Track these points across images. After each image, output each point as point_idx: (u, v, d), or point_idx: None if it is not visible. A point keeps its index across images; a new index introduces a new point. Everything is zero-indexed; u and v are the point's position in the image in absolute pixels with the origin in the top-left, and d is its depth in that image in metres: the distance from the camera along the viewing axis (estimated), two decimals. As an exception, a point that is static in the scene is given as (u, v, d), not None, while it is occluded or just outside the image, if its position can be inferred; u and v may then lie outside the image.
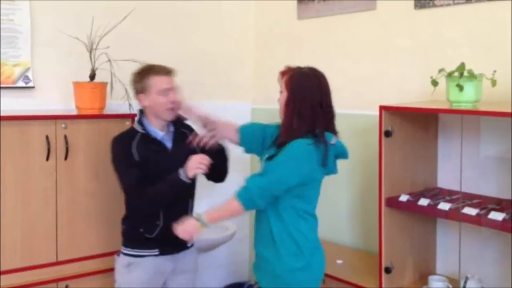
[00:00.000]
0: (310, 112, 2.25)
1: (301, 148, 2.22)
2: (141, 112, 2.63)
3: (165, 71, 2.60)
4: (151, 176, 2.49)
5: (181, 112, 2.66)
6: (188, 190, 2.62)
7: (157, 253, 2.59)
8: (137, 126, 2.60)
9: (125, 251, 2.62)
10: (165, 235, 2.54)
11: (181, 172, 2.45)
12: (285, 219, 2.28)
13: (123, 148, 2.55)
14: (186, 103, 2.66)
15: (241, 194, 2.24)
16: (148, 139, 2.57)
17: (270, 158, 2.30)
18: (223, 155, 2.73)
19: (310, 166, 2.25)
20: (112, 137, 2.62)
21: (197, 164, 2.45)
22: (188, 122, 2.75)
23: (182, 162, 2.49)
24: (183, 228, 2.29)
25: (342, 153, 2.36)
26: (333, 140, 2.28)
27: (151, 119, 2.60)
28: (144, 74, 2.59)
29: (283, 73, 2.37)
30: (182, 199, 2.62)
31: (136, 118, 2.64)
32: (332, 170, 2.34)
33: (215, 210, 2.35)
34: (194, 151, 2.59)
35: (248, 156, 4.05)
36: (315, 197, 2.37)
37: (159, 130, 2.61)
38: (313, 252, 2.33)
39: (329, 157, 2.26)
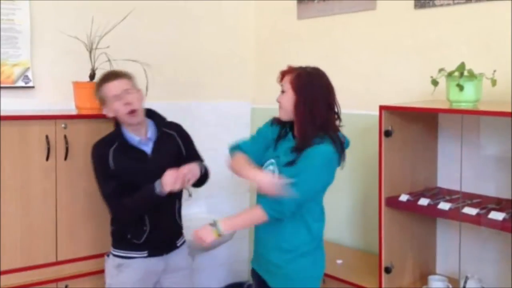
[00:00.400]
0: (321, 113, 2.22)
1: (329, 157, 2.20)
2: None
3: (114, 76, 2.54)
4: (129, 184, 2.46)
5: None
6: (172, 193, 2.54)
7: (146, 255, 2.58)
8: (115, 132, 2.58)
9: (114, 252, 2.62)
10: (153, 239, 2.54)
11: (156, 185, 2.40)
12: (308, 222, 2.29)
13: (100, 157, 2.52)
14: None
15: (269, 205, 2.18)
16: (125, 146, 2.53)
17: (289, 163, 2.23)
18: (204, 172, 2.66)
19: (334, 172, 2.26)
20: (94, 143, 2.60)
21: (173, 180, 2.39)
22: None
23: (162, 166, 2.45)
24: (197, 235, 2.22)
25: (346, 146, 2.35)
26: (344, 139, 2.30)
27: (125, 125, 2.56)
28: (98, 86, 2.57)
29: (285, 73, 2.32)
30: (168, 201, 2.57)
31: (114, 125, 2.61)
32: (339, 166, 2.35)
33: (235, 217, 2.30)
34: (176, 154, 2.60)
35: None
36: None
37: (135, 136, 2.56)
38: (319, 251, 2.38)
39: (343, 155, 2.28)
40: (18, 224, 2.70)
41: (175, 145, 2.65)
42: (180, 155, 2.64)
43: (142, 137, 2.57)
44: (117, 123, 2.59)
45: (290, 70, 2.31)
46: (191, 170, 2.48)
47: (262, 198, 2.22)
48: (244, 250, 4.07)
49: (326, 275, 2.95)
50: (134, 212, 2.52)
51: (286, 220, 2.24)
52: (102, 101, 2.56)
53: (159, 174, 2.43)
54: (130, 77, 2.58)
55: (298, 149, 2.23)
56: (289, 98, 2.25)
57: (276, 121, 2.40)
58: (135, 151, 2.55)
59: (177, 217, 2.68)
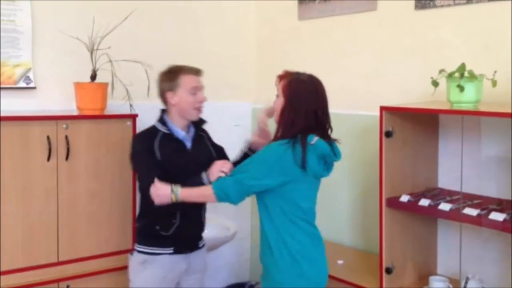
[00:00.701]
0: (303, 120, 2.23)
1: (273, 147, 2.25)
2: (163, 111, 2.64)
3: (195, 71, 2.64)
4: (170, 175, 2.48)
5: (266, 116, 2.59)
6: None
7: (171, 251, 2.60)
8: (158, 125, 2.61)
9: (139, 249, 2.63)
10: (180, 233, 2.59)
11: (204, 176, 2.43)
12: (278, 225, 2.28)
13: (145, 146, 2.54)
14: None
15: (216, 184, 2.30)
16: (170, 138, 2.58)
17: None
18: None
19: (285, 166, 2.21)
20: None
21: (220, 169, 2.43)
22: (205, 125, 2.74)
23: (199, 162, 2.53)
24: (156, 191, 2.35)
25: (328, 155, 2.27)
26: (313, 141, 2.21)
27: (175, 118, 2.61)
28: (174, 73, 2.61)
29: (280, 77, 2.35)
30: None
31: (158, 117, 2.64)
32: (318, 172, 2.28)
33: (191, 190, 2.37)
34: (209, 153, 2.68)
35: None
36: (304, 200, 2.31)
37: (181, 130, 2.62)
38: (309, 260, 2.30)
39: (310, 158, 2.20)
40: (19, 224, 2.71)
41: (206, 145, 2.74)
42: (210, 155, 2.68)
43: (186, 132, 2.64)
44: (161, 116, 2.62)
45: (285, 75, 2.33)
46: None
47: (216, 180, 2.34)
48: (246, 250, 4.07)
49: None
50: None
51: (266, 220, 2.31)
52: (171, 88, 2.58)
53: (196, 170, 2.46)
54: (202, 76, 2.68)
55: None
56: (280, 103, 2.30)
57: None
58: (179, 143, 2.61)
59: (203, 218, 2.72)
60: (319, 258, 2.38)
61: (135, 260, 2.63)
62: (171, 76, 2.61)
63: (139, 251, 2.63)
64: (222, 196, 2.29)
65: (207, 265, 2.89)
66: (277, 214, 2.28)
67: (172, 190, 2.33)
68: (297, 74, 2.33)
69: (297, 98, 2.26)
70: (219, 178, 2.33)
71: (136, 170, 2.62)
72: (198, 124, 2.71)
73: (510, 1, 2.58)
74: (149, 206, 2.56)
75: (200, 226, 2.74)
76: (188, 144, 2.64)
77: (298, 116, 2.24)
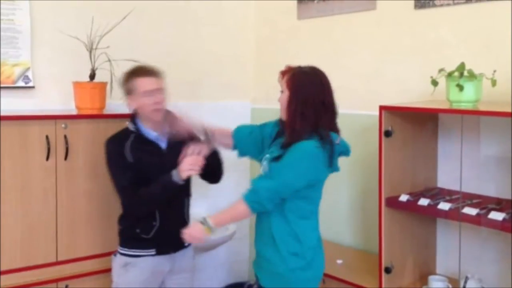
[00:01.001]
0: (313, 111, 2.24)
1: (308, 150, 2.21)
2: (135, 112, 2.62)
3: (151, 73, 2.57)
4: (145, 177, 2.49)
5: (170, 126, 2.60)
6: (183, 189, 2.61)
7: (153, 253, 2.59)
8: (130, 127, 2.60)
9: (121, 251, 2.62)
10: (161, 235, 2.56)
11: (174, 173, 2.44)
12: (289, 219, 2.27)
13: (117, 149, 2.55)
14: (176, 115, 2.60)
15: (248, 197, 2.24)
16: (141, 140, 2.57)
17: (276, 159, 2.28)
18: (216, 157, 2.72)
19: (318, 169, 2.25)
20: (106, 139, 2.62)
21: (190, 166, 2.45)
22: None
23: (176, 162, 2.49)
24: (189, 233, 2.30)
25: (345, 151, 2.36)
26: (337, 140, 2.29)
27: (144, 120, 2.59)
28: (130, 76, 2.58)
29: (283, 73, 2.37)
30: (177, 199, 2.62)
31: (130, 119, 2.63)
32: (336, 169, 2.34)
33: (222, 213, 2.36)
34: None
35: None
36: (319, 197, 2.38)
37: (152, 131, 2.59)
38: (314, 251, 2.33)
39: (335, 157, 2.28)
40: (18, 224, 2.70)
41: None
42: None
43: (159, 132, 2.60)
44: (132, 118, 2.61)
45: (288, 70, 2.36)
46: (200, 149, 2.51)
47: (246, 191, 2.27)
48: (244, 250, 4.07)
49: (326, 275, 2.94)
50: (149, 203, 2.54)
51: (273, 213, 2.27)
52: (129, 92, 2.57)
53: (172, 169, 2.47)
54: (162, 77, 2.62)
55: (286, 145, 2.26)
56: (285, 97, 2.29)
57: (280, 122, 2.43)
58: (152, 145, 2.59)
59: (186, 216, 2.69)
60: (321, 248, 2.43)
61: (118, 263, 2.62)
62: (127, 80, 2.58)
63: (121, 253, 2.62)
64: (257, 207, 2.25)
65: (202, 265, 2.87)
66: (290, 210, 2.27)
67: (203, 224, 2.26)
68: (300, 67, 2.35)
69: (302, 90, 2.26)
70: (248, 190, 2.26)
71: (110, 174, 2.58)
72: (174, 122, 2.64)
73: (510, 0, 2.58)
74: (128, 208, 2.60)
75: (184, 225, 2.63)
76: (163, 145, 2.60)
77: (306, 108, 2.24)
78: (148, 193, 2.49)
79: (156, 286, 2.63)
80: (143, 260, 2.58)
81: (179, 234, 2.58)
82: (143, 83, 2.54)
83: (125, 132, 2.60)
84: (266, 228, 2.33)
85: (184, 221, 2.68)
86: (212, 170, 2.68)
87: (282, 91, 2.34)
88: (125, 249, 2.61)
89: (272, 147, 2.40)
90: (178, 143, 2.60)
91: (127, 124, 2.63)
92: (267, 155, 2.36)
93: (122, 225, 2.65)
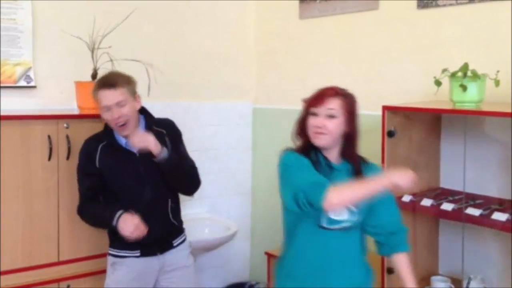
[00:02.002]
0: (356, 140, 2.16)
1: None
2: None
3: (108, 85, 2.46)
4: (114, 183, 2.52)
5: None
6: (165, 191, 2.58)
7: (138, 254, 2.56)
8: (104, 132, 2.58)
9: (110, 251, 2.63)
10: (144, 238, 2.48)
11: (116, 219, 2.42)
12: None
13: (87, 153, 2.56)
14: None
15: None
16: (112, 146, 2.54)
17: None
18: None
19: None
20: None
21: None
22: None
23: (150, 166, 2.48)
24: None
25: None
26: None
27: None
28: (94, 89, 2.52)
29: (331, 95, 2.12)
30: (159, 201, 2.58)
31: (104, 124, 2.60)
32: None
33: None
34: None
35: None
36: None
37: (122, 137, 2.54)
38: None
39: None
40: (20, 223, 2.70)
41: (165, 143, 2.55)
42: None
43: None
44: (106, 124, 2.59)
45: (337, 92, 2.13)
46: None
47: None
48: (246, 250, 4.06)
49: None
50: (88, 221, 2.64)
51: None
52: (98, 106, 2.55)
53: (147, 174, 2.51)
54: (127, 84, 2.50)
55: (358, 174, 2.12)
56: (340, 123, 2.07)
57: (298, 151, 2.18)
58: (123, 151, 2.55)
59: (171, 216, 2.62)
60: None
61: (108, 263, 2.64)
62: (93, 92, 2.53)
63: (109, 254, 2.62)
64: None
65: (203, 265, 2.84)
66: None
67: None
68: (345, 90, 2.20)
69: (355, 120, 2.14)
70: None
71: (76, 173, 2.62)
72: (148, 122, 2.60)
73: (513, 0, 2.58)
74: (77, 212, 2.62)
75: (170, 227, 2.63)
76: (134, 149, 2.52)
77: (356, 137, 2.14)
78: (90, 214, 2.58)
79: (150, 285, 2.60)
80: (129, 261, 2.56)
81: (164, 235, 2.59)
82: (101, 98, 2.47)
83: (101, 135, 2.59)
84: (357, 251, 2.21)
85: (169, 222, 2.62)
86: (186, 187, 2.64)
87: (330, 116, 2.07)
88: (112, 249, 2.61)
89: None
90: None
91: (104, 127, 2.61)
92: None
93: (108, 231, 2.64)
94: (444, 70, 2.44)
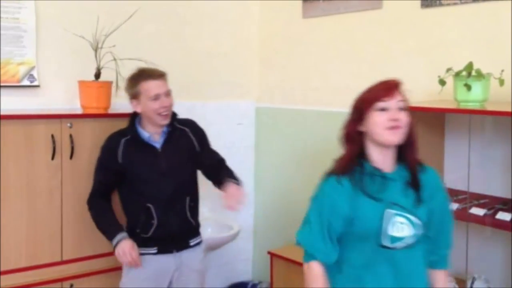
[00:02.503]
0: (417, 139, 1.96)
1: None
2: (135, 113, 2.63)
3: (156, 75, 2.55)
4: (135, 177, 2.56)
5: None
6: (185, 188, 2.63)
7: (155, 251, 2.60)
8: (129, 127, 2.62)
9: None
10: (161, 233, 2.56)
11: (117, 239, 2.50)
12: None
13: (109, 148, 2.61)
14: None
15: None
16: (136, 140, 2.59)
17: (418, 201, 1.89)
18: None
19: None
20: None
21: (123, 256, 2.48)
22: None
23: (173, 161, 2.57)
24: None
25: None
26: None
27: (144, 122, 2.60)
28: (135, 80, 2.57)
29: (400, 84, 1.93)
30: (178, 198, 2.61)
31: (129, 119, 2.65)
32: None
33: None
34: (189, 149, 2.65)
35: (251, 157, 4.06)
36: None
37: (145, 131, 2.59)
38: None
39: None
40: (23, 223, 2.70)
41: (188, 141, 2.67)
42: (193, 151, 2.68)
43: (153, 133, 2.60)
44: (132, 117, 2.63)
45: (400, 83, 1.93)
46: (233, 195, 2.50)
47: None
48: (248, 249, 4.06)
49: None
50: (92, 219, 2.65)
51: None
52: (134, 96, 2.57)
53: (168, 169, 2.55)
54: (167, 79, 2.61)
55: (415, 181, 1.90)
56: (408, 116, 1.88)
57: (340, 172, 1.91)
58: (146, 146, 2.59)
59: (188, 215, 2.65)
60: None
61: None
62: (133, 83, 2.58)
63: None
64: None
65: (208, 264, 2.85)
66: None
67: None
68: None
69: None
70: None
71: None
72: (172, 119, 2.64)
73: (518, -1, 2.57)
74: (125, 209, 2.67)
75: (187, 225, 2.66)
76: (157, 145, 2.60)
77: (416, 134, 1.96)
78: (97, 215, 2.63)
79: (164, 285, 2.62)
80: (146, 259, 2.58)
81: (180, 233, 2.64)
82: (149, 87, 2.53)
83: (125, 130, 2.63)
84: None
85: (186, 219, 2.65)
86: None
87: (402, 109, 1.87)
88: None
89: (385, 198, 1.86)
90: (175, 141, 2.62)
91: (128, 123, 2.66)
92: (392, 211, 1.84)
93: (126, 227, 2.66)
94: (449, 70, 2.44)
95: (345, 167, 1.89)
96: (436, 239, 1.97)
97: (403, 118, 1.84)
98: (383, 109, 1.84)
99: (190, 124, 2.73)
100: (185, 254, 2.66)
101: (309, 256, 1.94)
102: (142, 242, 2.57)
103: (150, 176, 2.55)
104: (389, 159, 1.89)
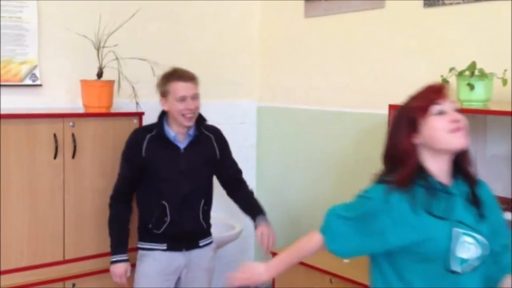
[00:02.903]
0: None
1: None
2: (164, 111, 2.67)
3: (186, 78, 2.61)
4: (155, 174, 2.60)
5: None
6: (201, 191, 2.69)
7: (165, 247, 2.65)
8: (157, 123, 2.67)
9: (138, 245, 2.72)
10: (172, 231, 2.62)
11: (117, 256, 2.64)
12: None
13: (135, 142, 2.64)
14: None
15: None
16: (161, 137, 2.63)
17: (481, 219, 1.72)
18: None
19: None
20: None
21: (113, 277, 2.65)
22: (210, 123, 2.78)
23: (194, 165, 2.63)
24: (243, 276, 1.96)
25: None
26: None
27: (170, 120, 2.65)
28: (166, 79, 2.62)
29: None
30: (193, 199, 2.67)
31: (158, 116, 2.68)
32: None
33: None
34: (210, 156, 2.71)
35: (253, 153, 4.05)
36: None
37: (172, 131, 2.64)
38: None
39: None
40: (25, 222, 2.70)
41: (210, 147, 2.73)
42: (213, 158, 2.74)
43: (179, 133, 2.64)
44: (160, 115, 2.67)
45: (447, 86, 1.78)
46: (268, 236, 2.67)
47: None
48: (251, 248, 4.06)
49: (333, 274, 2.94)
50: (108, 219, 2.71)
51: None
52: (163, 94, 2.62)
53: (188, 170, 2.61)
54: (198, 83, 2.66)
55: (475, 196, 1.75)
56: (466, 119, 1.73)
57: (398, 186, 1.70)
58: (169, 144, 2.63)
59: (201, 217, 2.70)
60: None
61: (137, 257, 2.72)
62: (163, 82, 2.64)
63: (138, 247, 2.72)
64: None
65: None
66: None
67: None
68: None
69: None
70: None
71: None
72: (199, 124, 2.70)
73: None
74: (140, 203, 2.72)
75: (198, 226, 2.72)
76: (181, 145, 2.65)
77: None
78: (112, 218, 2.70)
79: (173, 280, 2.68)
80: (156, 254, 2.65)
81: (191, 233, 2.69)
82: (178, 88, 2.58)
83: (151, 126, 2.68)
84: None
85: (198, 221, 2.70)
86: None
87: (459, 110, 1.72)
88: (141, 242, 2.70)
89: (450, 216, 1.68)
90: (199, 145, 2.67)
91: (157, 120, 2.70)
92: (460, 230, 1.67)
93: (139, 221, 2.73)
94: (451, 69, 2.43)
95: (404, 182, 1.68)
96: (498, 254, 1.79)
97: (464, 119, 1.67)
98: (440, 113, 1.68)
99: (216, 132, 2.80)
100: (195, 253, 2.71)
101: (325, 231, 1.82)
102: (153, 237, 2.64)
103: (169, 174, 2.61)
104: (447, 171, 1.72)
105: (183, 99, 2.57)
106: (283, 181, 3.86)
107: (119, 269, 2.63)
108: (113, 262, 2.63)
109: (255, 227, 2.68)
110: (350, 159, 3.35)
